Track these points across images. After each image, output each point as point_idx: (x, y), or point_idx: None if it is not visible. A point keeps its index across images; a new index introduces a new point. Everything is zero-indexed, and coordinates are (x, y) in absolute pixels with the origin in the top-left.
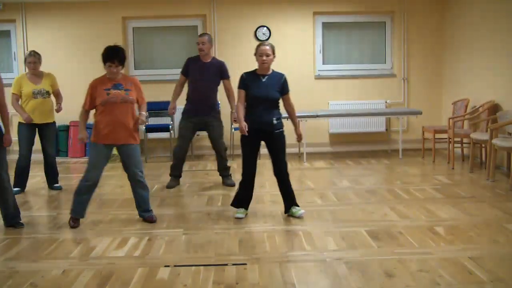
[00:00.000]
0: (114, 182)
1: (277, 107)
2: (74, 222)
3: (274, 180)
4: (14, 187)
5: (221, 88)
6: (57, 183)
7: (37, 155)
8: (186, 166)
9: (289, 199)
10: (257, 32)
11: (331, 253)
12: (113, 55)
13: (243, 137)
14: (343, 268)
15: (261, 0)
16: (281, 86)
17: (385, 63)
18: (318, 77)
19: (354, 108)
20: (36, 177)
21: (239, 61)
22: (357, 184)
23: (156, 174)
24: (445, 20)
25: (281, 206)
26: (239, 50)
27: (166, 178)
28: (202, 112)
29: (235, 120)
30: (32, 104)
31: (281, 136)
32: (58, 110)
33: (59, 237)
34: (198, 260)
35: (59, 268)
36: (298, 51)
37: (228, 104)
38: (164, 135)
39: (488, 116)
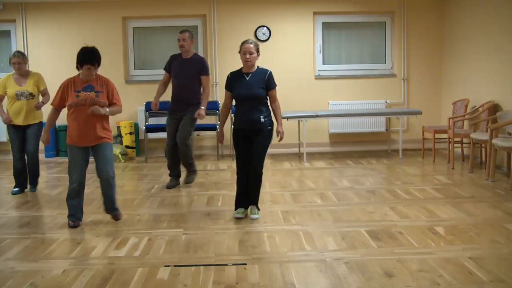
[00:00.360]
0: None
1: (264, 104)
2: (74, 222)
3: (274, 180)
4: (14, 188)
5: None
6: (35, 185)
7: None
8: None
9: (251, 196)
10: (257, 32)
11: (331, 253)
12: (92, 57)
13: (233, 137)
14: (343, 268)
15: (261, 0)
16: (265, 82)
17: (385, 63)
18: (318, 77)
19: (354, 108)
20: None
21: (239, 61)
22: (357, 184)
23: (156, 174)
24: (445, 20)
25: (281, 206)
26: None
27: (166, 178)
28: (182, 108)
29: (195, 117)
30: (17, 106)
31: (268, 134)
32: (37, 108)
33: (59, 237)
34: (198, 260)
35: (59, 268)
36: (298, 51)
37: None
38: (164, 135)
39: (488, 116)
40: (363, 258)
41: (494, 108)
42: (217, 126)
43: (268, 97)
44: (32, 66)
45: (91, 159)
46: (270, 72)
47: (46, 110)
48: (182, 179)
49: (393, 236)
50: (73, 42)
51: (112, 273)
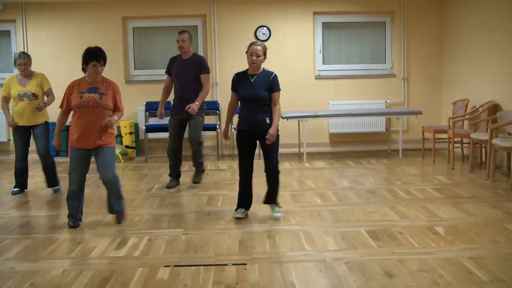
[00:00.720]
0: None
1: (268, 106)
2: (73, 222)
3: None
4: (14, 188)
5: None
6: (55, 185)
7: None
8: (186, 166)
9: (271, 195)
10: (257, 32)
11: (331, 253)
12: (97, 54)
13: (237, 138)
14: (343, 268)
15: (261, 0)
16: (269, 84)
17: (385, 63)
18: (318, 77)
19: (354, 108)
20: (36, 177)
21: (239, 61)
22: (357, 184)
23: (156, 174)
24: (445, 20)
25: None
26: (239, 50)
27: (166, 178)
28: (182, 109)
29: (189, 108)
30: (20, 106)
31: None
32: (38, 109)
33: (59, 237)
34: (198, 260)
35: (59, 268)
36: (298, 51)
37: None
38: (164, 135)
39: (488, 116)
40: (363, 258)
41: (494, 108)
42: (217, 126)
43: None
44: (32, 66)
45: (93, 159)
46: (275, 75)
47: (53, 110)
48: (182, 179)
49: (393, 236)
50: (73, 42)
51: (112, 273)
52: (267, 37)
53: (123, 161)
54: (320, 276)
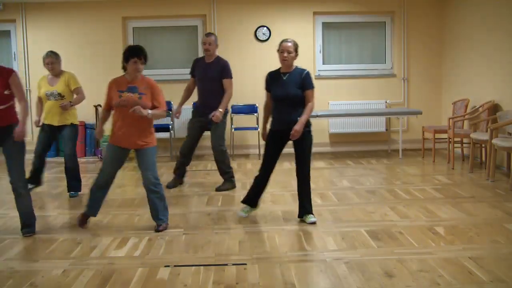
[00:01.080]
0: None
1: (302, 105)
2: (83, 221)
3: (274, 180)
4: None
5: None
6: (75, 190)
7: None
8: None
9: (303, 203)
10: (257, 32)
11: (331, 253)
12: (139, 51)
13: (268, 137)
14: (343, 268)
15: (261, 0)
16: (301, 82)
17: (385, 63)
18: (318, 77)
19: (354, 108)
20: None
21: (239, 61)
22: (357, 184)
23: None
24: (445, 20)
25: (281, 206)
26: (239, 50)
27: (167, 178)
28: (204, 113)
29: (213, 116)
30: (48, 106)
31: (307, 136)
32: (62, 108)
33: (59, 237)
34: (198, 260)
35: (59, 268)
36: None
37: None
38: (164, 135)
39: (488, 116)
40: (363, 258)
41: (494, 108)
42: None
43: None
44: (32, 66)
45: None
46: (308, 72)
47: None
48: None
49: (393, 236)
50: (73, 42)
51: (112, 273)
52: (267, 37)
53: None
54: (320, 276)
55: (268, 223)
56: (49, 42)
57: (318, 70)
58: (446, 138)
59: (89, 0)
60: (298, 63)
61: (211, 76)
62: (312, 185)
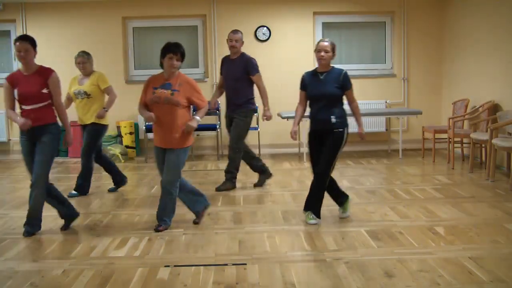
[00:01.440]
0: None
1: (338, 105)
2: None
3: (274, 180)
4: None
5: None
6: (79, 190)
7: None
8: (186, 166)
9: (311, 201)
10: (257, 32)
11: (331, 253)
12: (175, 47)
13: (308, 137)
14: (343, 268)
15: (261, 0)
16: (340, 82)
17: (385, 63)
18: None
19: None
20: None
21: None
22: (357, 184)
23: (156, 174)
24: (445, 20)
25: (281, 206)
26: None
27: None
28: (230, 110)
29: (265, 118)
30: (76, 105)
31: (338, 136)
32: (98, 116)
33: (59, 237)
34: (198, 260)
35: (59, 268)
36: (298, 51)
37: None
38: None
39: (488, 116)
40: (363, 258)
41: (494, 108)
42: (217, 126)
43: (344, 98)
44: None
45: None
46: (346, 72)
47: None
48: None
49: (393, 236)
50: (73, 42)
51: (112, 273)
52: (267, 37)
53: (123, 161)
54: (320, 276)
55: (268, 223)
56: (49, 42)
57: None
58: (446, 138)
59: (89, 0)
60: (299, 62)
61: (234, 73)
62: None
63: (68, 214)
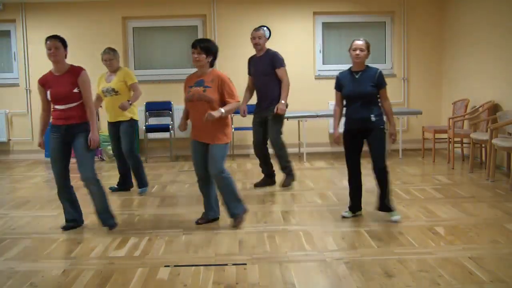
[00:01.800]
0: (113, 182)
1: (375, 103)
2: (200, 219)
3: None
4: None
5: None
6: (141, 185)
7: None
8: (186, 166)
9: (383, 199)
10: None
11: (331, 253)
12: (195, 42)
13: (343, 136)
14: (343, 268)
15: (261, 0)
16: (375, 80)
17: (385, 63)
18: (318, 77)
19: None
20: (37, 177)
21: (239, 61)
22: None
23: (156, 174)
24: (445, 20)
25: (281, 206)
26: (239, 50)
27: (166, 178)
28: (261, 107)
29: (278, 113)
30: (105, 102)
31: (380, 134)
32: (121, 108)
33: (59, 237)
34: (198, 260)
35: (59, 268)
36: (298, 51)
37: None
38: (164, 135)
39: (488, 116)
40: (363, 258)
41: (494, 108)
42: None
43: (379, 96)
44: (32, 66)
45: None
46: (381, 71)
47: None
48: (182, 179)
49: (393, 236)
50: (73, 42)
51: (112, 273)
52: (267, 37)
53: None
54: (320, 276)
55: (268, 223)
56: None
57: (318, 70)
58: (446, 138)
59: (89, 0)
60: (299, 62)
61: (262, 70)
62: (312, 185)
63: (75, 219)
